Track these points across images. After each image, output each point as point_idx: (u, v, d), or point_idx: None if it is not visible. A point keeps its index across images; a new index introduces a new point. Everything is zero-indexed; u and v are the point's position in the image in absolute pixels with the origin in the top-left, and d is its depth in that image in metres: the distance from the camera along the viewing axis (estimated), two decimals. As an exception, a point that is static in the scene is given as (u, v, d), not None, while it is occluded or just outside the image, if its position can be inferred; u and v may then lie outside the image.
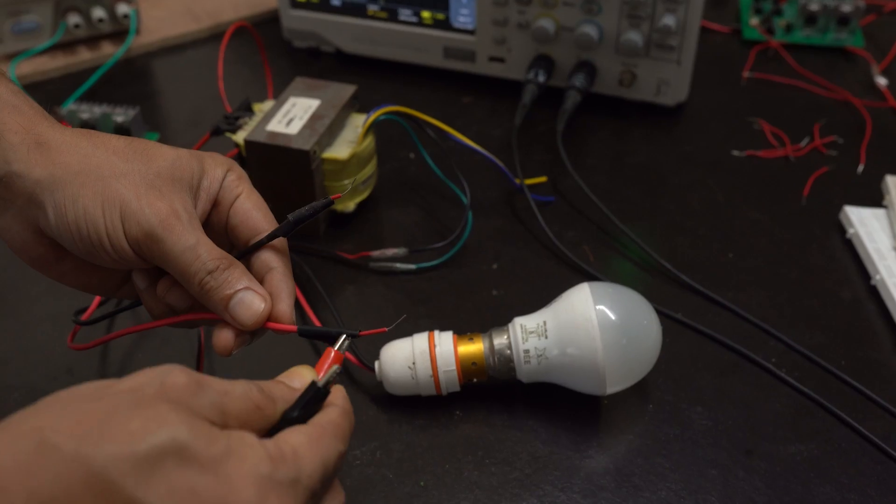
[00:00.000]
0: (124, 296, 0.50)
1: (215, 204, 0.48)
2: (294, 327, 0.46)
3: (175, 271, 0.44)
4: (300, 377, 0.41)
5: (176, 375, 0.35)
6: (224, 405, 0.35)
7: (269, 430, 0.38)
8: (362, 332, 0.45)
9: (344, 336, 0.44)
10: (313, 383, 0.40)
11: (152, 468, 0.31)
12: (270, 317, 0.46)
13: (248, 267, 0.47)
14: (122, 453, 0.31)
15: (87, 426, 0.32)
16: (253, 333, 0.46)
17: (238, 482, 0.33)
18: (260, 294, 0.45)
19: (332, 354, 0.44)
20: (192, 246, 0.44)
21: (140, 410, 0.33)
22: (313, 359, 0.61)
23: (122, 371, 0.60)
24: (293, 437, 0.36)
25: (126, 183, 0.44)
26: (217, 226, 0.49)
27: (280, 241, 0.48)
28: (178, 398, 0.34)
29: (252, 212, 0.48)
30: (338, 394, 0.41)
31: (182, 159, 0.46)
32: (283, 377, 0.41)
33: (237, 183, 0.49)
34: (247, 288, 0.45)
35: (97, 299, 0.59)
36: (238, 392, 0.36)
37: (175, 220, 0.44)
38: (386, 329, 0.45)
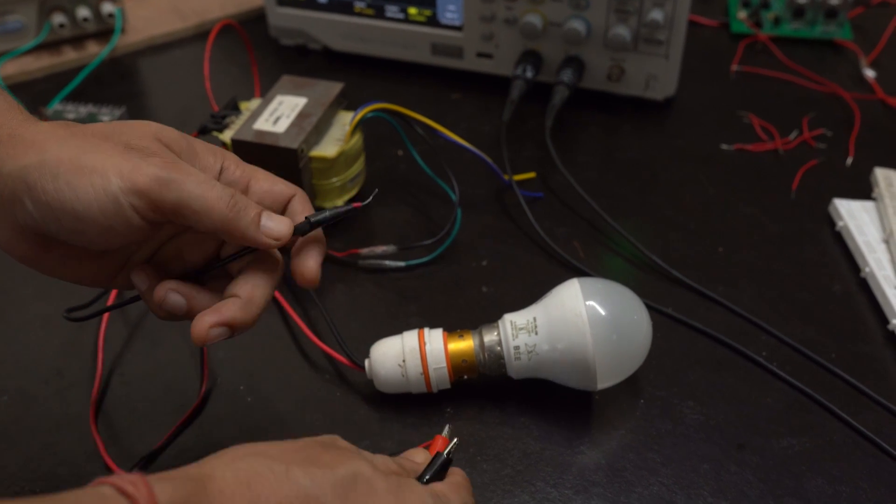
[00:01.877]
0: (119, 287, 0.50)
1: None
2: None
3: (194, 205, 0.43)
4: (418, 454, 0.49)
5: (342, 441, 0.43)
6: (374, 462, 0.43)
7: None
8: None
9: (448, 426, 0.51)
10: (439, 453, 0.47)
11: (347, 490, 0.38)
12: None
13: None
14: (324, 475, 0.38)
15: (291, 455, 0.39)
16: (233, 330, 0.45)
17: None
18: (279, 216, 0.46)
19: (442, 441, 0.50)
20: (205, 179, 0.43)
21: (330, 450, 0.41)
22: (319, 366, 0.61)
23: (116, 372, 0.60)
24: (438, 486, 0.45)
25: (110, 152, 0.42)
26: None
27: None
28: (350, 448, 0.43)
29: (274, 187, 0.48)
30: (457, 470, 0.48)
31: (167, 129, 0.46)
32: (405, 454, 0.49)
33: (241, 171, 0.48)
34: (264, 211, 0.45)
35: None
36: (381, 459, 0.44)
37: (174, 163, 0.43)
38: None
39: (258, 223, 0.45)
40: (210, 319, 0.45)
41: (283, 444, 0.40)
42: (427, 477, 0.46)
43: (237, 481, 0.36)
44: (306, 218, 0.47)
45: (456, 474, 0.47)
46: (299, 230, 0.47)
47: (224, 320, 0.45)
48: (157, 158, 0.43)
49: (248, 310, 0.46)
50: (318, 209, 0.49)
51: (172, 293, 0.46)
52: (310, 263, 0.47)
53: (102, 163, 0.42)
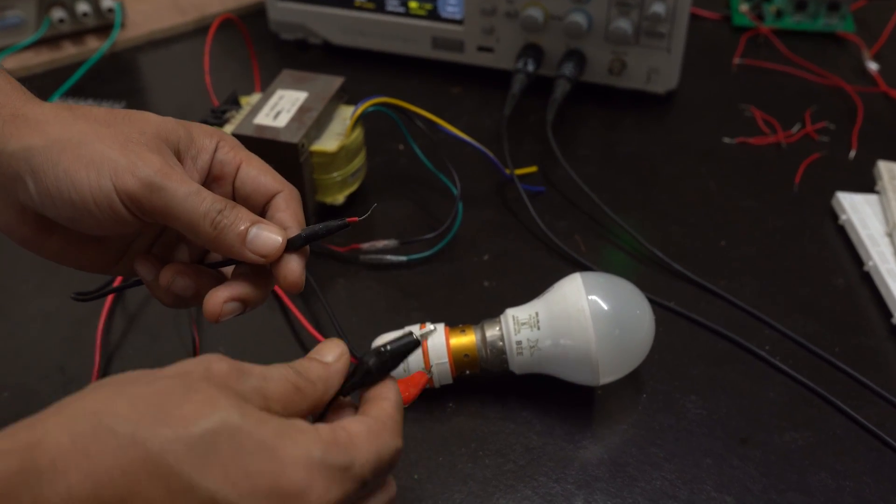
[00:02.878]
0: (121, 273, 0.49)
1: (216, 179, 0.47)
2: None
3: (181, 218, 0.43)
4: (331, 350, 0.41)
5: (218, 362, 0.36)
6: (265, 389, 0.36)
7: (321, 413, 0.39)
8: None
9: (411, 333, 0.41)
10: (362, 361, 0.40)
11: (206, 452, 0.32)
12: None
13: None
14: (177, 437, 0.32)
15: (141, 410, 0.33)
16: (246, 305, 0.45)
17: (289, 463, 0.33)
18: (275, 226, 0.45)
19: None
20: (195, 190, 0.43)
21: (191, 395, 0.34)
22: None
23: (114, 369, 0.60)
24: (352, 425, 0.37)
25: (110, 143, 0.42)
26: None
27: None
28: (224, 383, 0.35)
29: (260, 177, 0.47)
30: (391, 387, 0.40)
31: (167, 122, 0.46)
32: (313, 353, 0.41)
33: (234, 153, 0.47)
34: (259, 222, 0.44)
35: None
36: (276, 376, 0.37)
37: (170, 169, 0.43)
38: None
39: (244, 239, 0.43)
40: (224, 294, 0.44)
41: (150, 381, 0.34)
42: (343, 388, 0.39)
43: (73, 450, 0.31)
44: (299, 234, 0.46)
45: (386, 406, 0.39)
46: (292, 244, 0.46)
47: (237, 295, 0.45)
48: (155, 159, 0.43)
49: (259, 285, 0.45)
50: (308, 214, 0.48)
51: (179, 276, 0.46)
52: (292, 266, 0.45)
53: (101, 155, 0.42)
